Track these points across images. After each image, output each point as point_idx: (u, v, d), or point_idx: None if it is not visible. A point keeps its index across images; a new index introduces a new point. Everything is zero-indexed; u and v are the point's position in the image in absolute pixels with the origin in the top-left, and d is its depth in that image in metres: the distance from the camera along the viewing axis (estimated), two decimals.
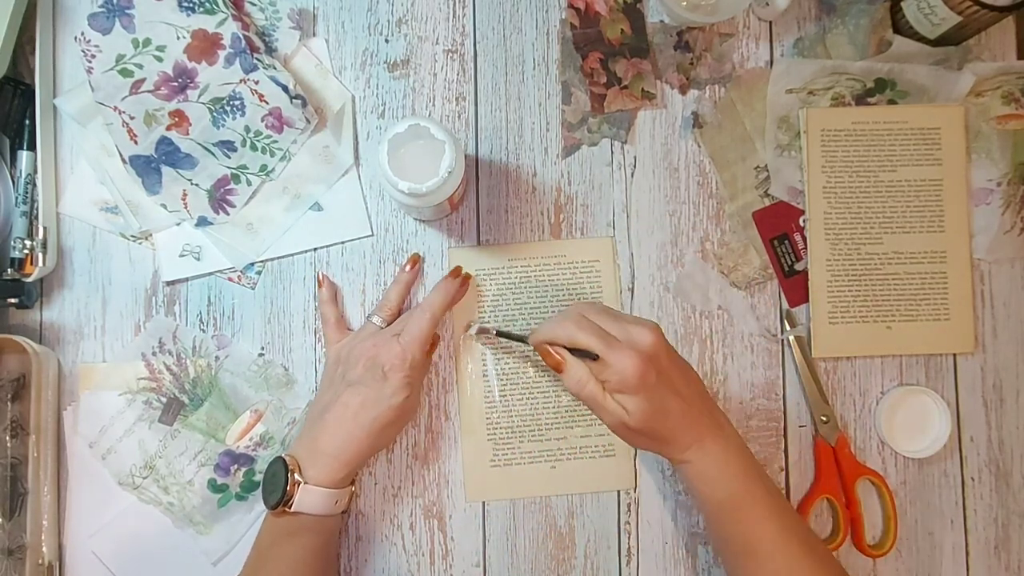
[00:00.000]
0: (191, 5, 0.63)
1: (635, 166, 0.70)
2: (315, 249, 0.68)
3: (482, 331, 0.65)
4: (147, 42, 0.63)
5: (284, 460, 0.58)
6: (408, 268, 0.67)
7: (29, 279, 0.64)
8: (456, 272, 0.67)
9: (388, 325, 0.64)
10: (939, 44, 0.68)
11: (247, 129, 0.65)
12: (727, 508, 0.56)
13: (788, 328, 0.69)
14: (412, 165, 0.58)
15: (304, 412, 0.67)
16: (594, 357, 0.55)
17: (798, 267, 0.69)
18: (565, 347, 0.57)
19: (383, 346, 0.61)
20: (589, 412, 0.67)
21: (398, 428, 0.64)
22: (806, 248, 0.69)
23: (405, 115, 0.69)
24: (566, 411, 0.68)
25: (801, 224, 0.69)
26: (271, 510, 0.58)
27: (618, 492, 0.68)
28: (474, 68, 0.70)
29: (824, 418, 0.68)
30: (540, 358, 0.59)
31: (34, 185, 0.66)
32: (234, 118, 0.65)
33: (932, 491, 0.69)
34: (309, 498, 0.57)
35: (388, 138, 0.57)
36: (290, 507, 0.57)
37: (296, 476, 0.57)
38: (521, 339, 0.62)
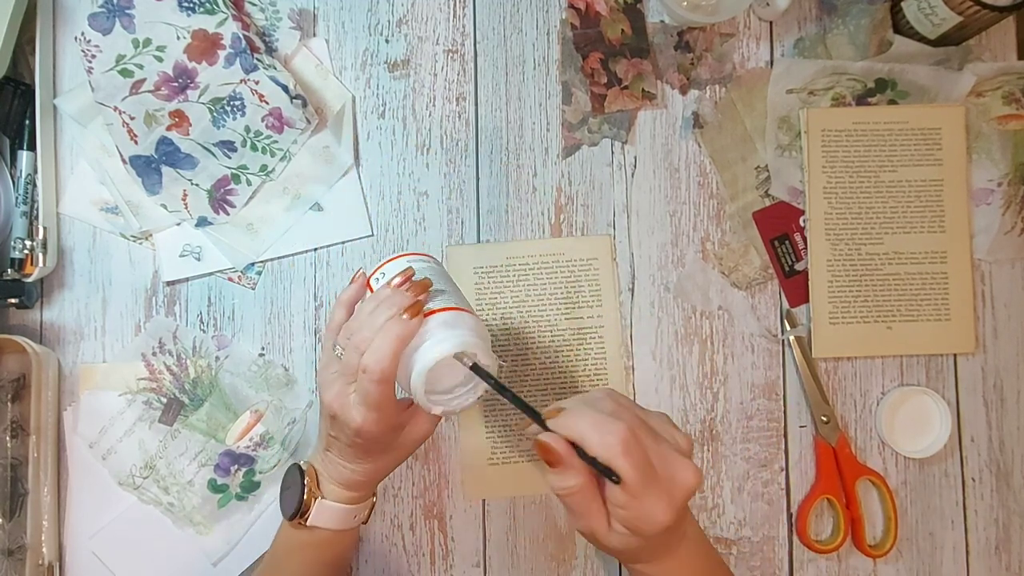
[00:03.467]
0: (191, 5, 0.63)
1: (635, 166, 0.70)
2: (315, 249, 0.68)
3: (476, 369, 0.49)
4: (147, 42, 0.63)
5: (302, 470, 0.54)
6: (352, 285, 0.55)
7: (29, 279, 0.64)
8: (406, 276, 0.51)
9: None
10: (939, 44, 0.68)
11: (247, 129, 0.65)
12: None
13: (788, 328, 0.69)
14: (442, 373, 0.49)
15: (304, 412, 0.67)
16: (612, 477, 0.44)
17: (798, 267, 0.69)
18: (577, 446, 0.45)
19: (340, 407, 0.50)
20: None
21: (413, 449, 0.55)
22: (806, 248, 0.69)
23: (406, 116, 0.69)
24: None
25: (801, 224, 0.69)
26: (289, 520, 0.55)
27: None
28: (474, 68, 0.70)
29: (824, 418, 0.68)
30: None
31: (34, 185, 0.66)
32: (234, 118, 0.64)
33: (932, 491, 0.68)
34: (326, 513, 0.54)
35: (437, 359, 0.47)
36: (306, 520, 0.53)
37: (314, 489, 0.54)
38: (529, 411, 0.48)
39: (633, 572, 0.50)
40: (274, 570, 0.57)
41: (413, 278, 0.50)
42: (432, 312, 0.48)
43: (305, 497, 0.53)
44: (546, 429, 0.47)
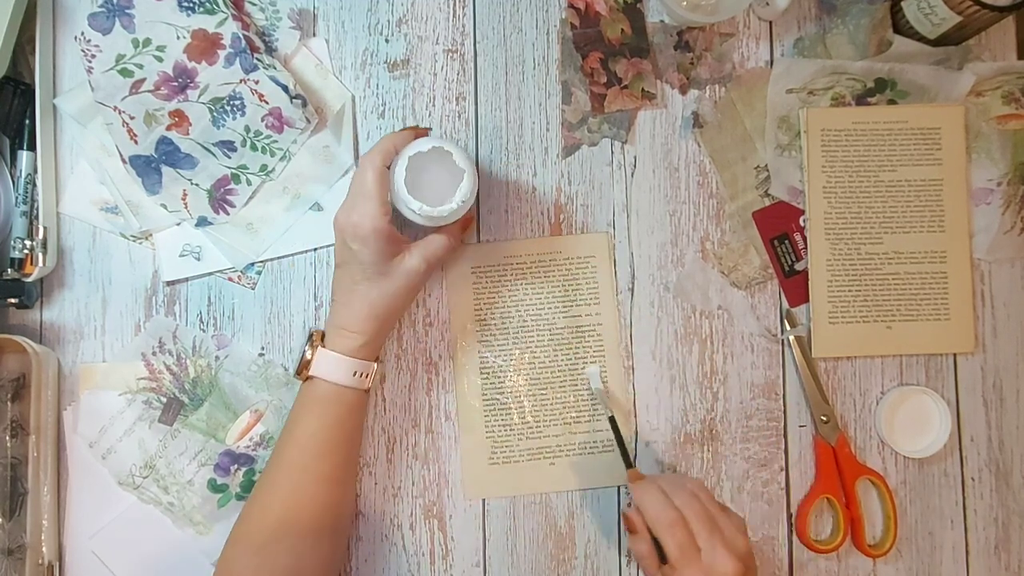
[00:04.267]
0: (191, 5, 0.63)
1: (635, 166, 0.70)
2: (315, 249, 0.68)
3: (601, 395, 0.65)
4: (147, 42, 0.63)
5: (311, 333, 0.62)
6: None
7: (29, 279, 0.64)
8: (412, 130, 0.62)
9: None
10: (939, 44, 0.68)
11: (247, 129, 0.65)
12: None
13: (788, 328, 0.69)
14: (426, 182, 0.58)
15: None
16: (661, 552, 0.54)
17: (798, 267, 0.69)
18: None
19: (342, 214, 0.59)
20: (588, 410, 0.68)
21: (405, 285, 0.60)
22: (806, 248, 0.69)
23: (406, 115, 0.69)
24: (565, 408, 0.68)
25: (801, 224, 0.69)
26: (296, 376, 0.62)
27: (618, 490, 0.68)
28: (474, 68, 0.70)
29: (824, 418, 0.68)
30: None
31: (34, 185, 0.66)
32: (234, 118, 0.65)
33: (932, 491, 0.69)
34: (325, 362, 0.60)
35: (409, 155, 0.57)
36: (308, 370, 0.60)
37: (316, 342, 0.60)
38: (625, 460, 0.62)
39: None
40: (290, 429, 0.61)
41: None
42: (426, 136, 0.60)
43: (308, 350, 0.60)
44: (630, 466, 0.62)
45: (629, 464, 0.62)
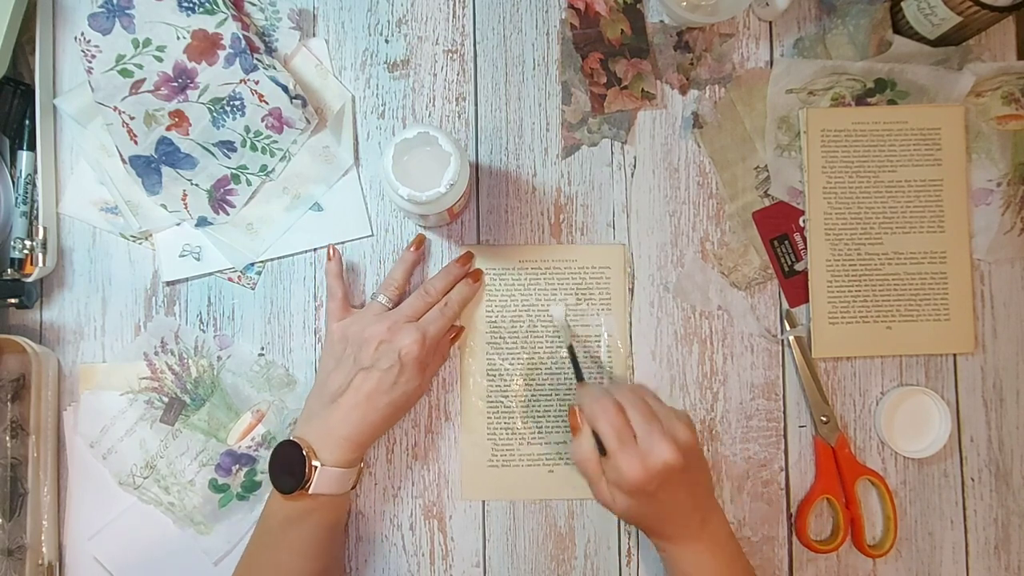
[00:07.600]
0: (191, 5, 0.63)
1: (635, 166, 0.70)
2: (315, 249, 0.68)
3: (567, 330, 0.66)
4: (147, 42, 0.63)
5: (296, 443, 0.58)
6: (412, 249, 0.66)
7: (29, 279, 0.64)
8: (465, 259, 0.67)
9: (394, 305, 0.64)
10: (939, 44, 0.68)
11: (247, 129, 0.65)
12: None
13: (788, 328, 0.69)
14: (416, 171, 0.58)
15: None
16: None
17: (798, 267, 0.69)
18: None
19: (398, 331, 0.60)
20: None
21: (410, 408, 0.66)
22: (806, 248, 0.69)
23: (406, 116, 0.69)
24: (568, 417, 0.67)
25: (801, 224, 0.70)
26: (286, 494, 0.58)
27: None
28: (474, 68, 0.70)
29: (824, 418, 0.68)
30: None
31: (34, 185, 0.66)
32: (234, 118, 0.65)
33: (932, 491, 0.69)
34: (326, 479, 0.58)
35: (395, 142, 0.57)
36: (308, 490, 0.57)
37: (314, 461, 0.58)
38: (578, 376, 0.63)
39: (660, 552, 0.58)
40: (271, 543, 0.59)
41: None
42: None
43: (307, 468, 0.57)
44: (580, 380, 0.62)
45: (580, 378, 0.62)
